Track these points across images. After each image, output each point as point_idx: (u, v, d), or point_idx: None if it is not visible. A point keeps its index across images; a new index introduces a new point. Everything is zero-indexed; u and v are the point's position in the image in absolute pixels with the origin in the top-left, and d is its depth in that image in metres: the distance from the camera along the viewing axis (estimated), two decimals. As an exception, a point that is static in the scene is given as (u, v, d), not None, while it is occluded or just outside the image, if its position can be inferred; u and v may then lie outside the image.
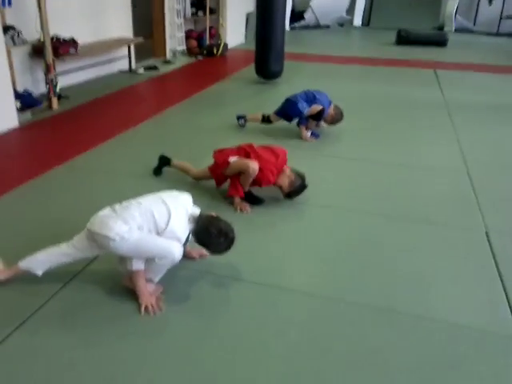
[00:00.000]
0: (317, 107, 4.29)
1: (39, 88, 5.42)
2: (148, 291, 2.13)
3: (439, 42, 10.97)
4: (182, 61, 8.63)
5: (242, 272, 2.41)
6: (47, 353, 1.84)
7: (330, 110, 4.39)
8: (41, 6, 4.66)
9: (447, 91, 6.56)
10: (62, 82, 5.81)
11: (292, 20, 14.68)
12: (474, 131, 4.84)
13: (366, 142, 4.48)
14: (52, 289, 2.21)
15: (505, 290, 2.32)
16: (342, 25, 15.33)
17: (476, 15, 14.40)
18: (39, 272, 2.21)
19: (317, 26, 14.79)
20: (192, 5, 9.56)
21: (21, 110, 4.68)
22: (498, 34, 13.67)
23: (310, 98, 4.32)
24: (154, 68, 7.69)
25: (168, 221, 2.10)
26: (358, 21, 15.46)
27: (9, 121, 4.42)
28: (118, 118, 5.05)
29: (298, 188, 3.09)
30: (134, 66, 7.51)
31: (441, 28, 14.16)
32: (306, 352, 1.90)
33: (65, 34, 5.57)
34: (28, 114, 4.76)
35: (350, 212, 3.10)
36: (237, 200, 3.07)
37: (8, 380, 1.72)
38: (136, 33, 7.59)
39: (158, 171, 3.51)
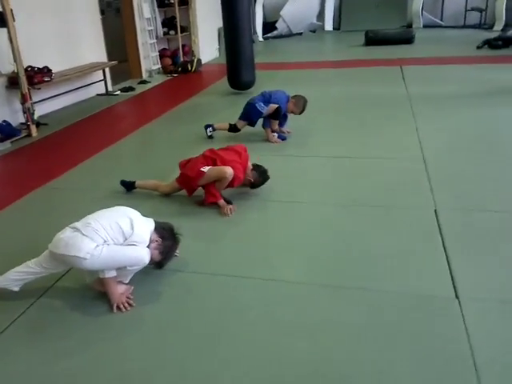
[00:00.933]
0: (273, 106, 4.53)
1: (18, 118, 5.64)
2: (119, 292, 2.33)
3: (406, 39, 11.30)
4: (158, 79, 8.89)
5: (210, 266, 2.63)
6: (24, 364, 1.98)
7: (290, 104, 4.63)
8: (12, 39, 4.91)
9: (411, 86, 6.85)
10: (41, 110, 6.06)
11: (265, 31, 15.06)
12: (433, 120, 5.10)
13: (328, 139, 4.72)
14: (25, 303, 2.37)
15: (447, 260, 2.54)
16: (313, 31, 15.69)
17: (442, 10, 14.81)
18: (15, 288, 2.38)
19: (289, 35, 15.15)
20: (163, 25, 9.85)
21: (0, 140, 4.90)
22: (464, 27, 14.06)
23: (267, 98, 4.57)
24: (131, 89, 7.94)
25: (132, 226, 2.31)
26: (329, 26, 15.81)
27: (-11, 151, 4.64)
28: (96, 139, 5.28)
29: (262, 179, 3.40)
30: (110, 88, 7.76)
31: (409, 26, 14.53)
32: (269, 330, 2.12)
33: (39, 63, 5.80)
34: (8, 144, 4.98)
35: (309, 204, 3.34)
36: (221, 203, 3.27)
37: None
38: (111, 57, 7.85)
39: (129, 190, 3.65)
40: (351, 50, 11.19)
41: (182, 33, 9.79)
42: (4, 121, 5.18)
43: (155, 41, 9.30)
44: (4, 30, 4.96)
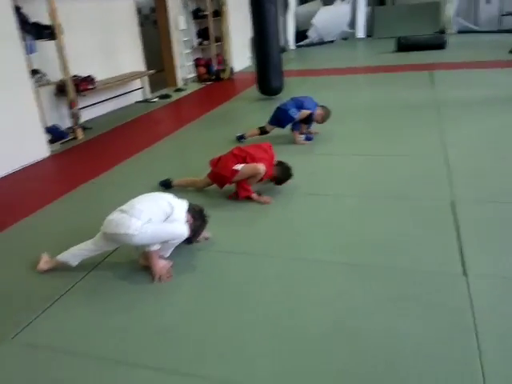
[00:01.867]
0: (305, 112, 4.78)
1: (65, 122, 6.10)
2: (160, 265, 2.64)
3: (437, 44, 11.35)
4: (193, 87, 9.31)
5: (239, 247, 2.90)
6: (83, 319, 2.35)
7: (318, 111, 4.88)
8: (60, 50, 5.36)
9: (439, 90, 6.96)
10: (86, 116, 6.53)
11: (297, 39, 15.38)
12: (459, 123, 5.21)
13: (354, 140, 4.93)
14: (82, 273, 2.74)
15: (460, 243, 2.72)
16: (345, 39, 15.90)
17: (476, 15, 14.74)
18: (74, 263, 2.75)
19: (321, 43, 15.41)
20: (198, 35, 10.30)
21: (51, 142, 5.35)
22: (499, 31, 13.94)
23: (299, 104, 4.82)
24: (167, 96, 8.37)
25: (172, 206, 2.63)
26: (361, 33, 15.96)
27: (41, 152, 5.09)
28: (135, 141, 5.66)
29: (286, 175, 3.62)
30: (149, 95, 8.21)
31: (442, 31, 14.53)
32: (290, 299, 2.36)
33: (84, 73, 6.27)
34: (58, 145, 5.42)
35: (334, 196, 3.57)
36: (255, 197, 3.55)
37: (53, 338, 2.24)
38: (149, 66, 8.31)
39: (167, 188, 3.90)
40: (382, 56, 11.32)
41: (215, 42, 10.20)
42: (54, 125, 5.64)
43: (190, 51, 9.74)
44: (53, 43, 5.42)
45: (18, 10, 5.24)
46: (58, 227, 3.39)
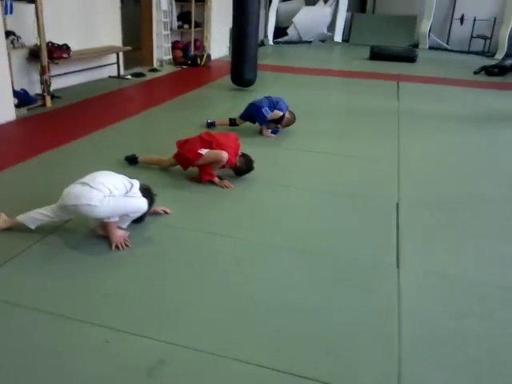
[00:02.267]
0: (278, 113, 5.00)
1: (34, 89, 6.04)
2: (118, 234, 2.76)
3: (408, 57, 11.79)
4: (168, 69, 9.33)
5: (196, 225, 3.07)
6: (32, 284, 2.42)
7: (287, 115, 5.07)
8: (38, 15, 5.34)
9: (403, 101, 7.30)
10: (56, 85, 6.47)
11: (276, 35, 15.54)
12: (416, 134, 5.53)
13: (320, 138, 5.16)
14: (38, 236, 2.81)
15: (397, 240, 2.99)
16: (323, 41, 16.18)
17: (449, 34, 15.34)
18: (32, 226, 2.82)
19: (299, 42, 15.63)
20: (179, 18, 10.30)
21: (17, 106, 5.33)
22: (469, 52, 14.55)
23: (273, 104, 5.00)
24: (141, 75, 8.37)
25: (130, 181, 2.77)
26: (338, 37, 16.29)
27: (7, 115, 5.06)
28: (104, 114, 5.71)
29: (248, 167, 3.79)
30: (122, 72, 8.19)
31: (416, 45, 15.03)
32: (237, 275, 2.55)
33: (60, 41, 6.23)
34: (24, 110, 5.40)
35: (292, 188, 3.78)
36: (217, 181, 3.71)
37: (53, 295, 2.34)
38: (126, 43, 8.28)
39: (132, 164, 4.01)
40: (355, 62, 11.65)
41: (195, 28, 10.25)
42: (22, 89, 5.61)
43: (169, 32, 9.73)
44: (32, 6, 5.38)
45: (-2, -31, 5.19)
46: (17, 191, 3.42)
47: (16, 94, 5.39)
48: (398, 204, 3.53)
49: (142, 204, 2.75)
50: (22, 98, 5.47)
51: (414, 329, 2.19)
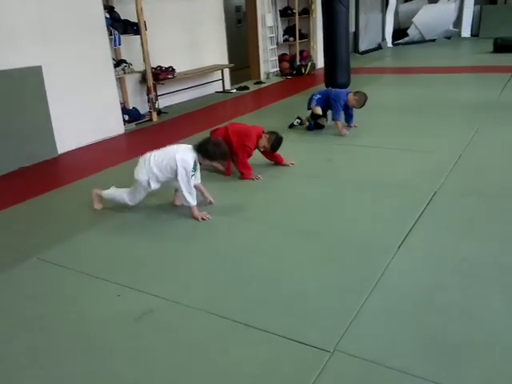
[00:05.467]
0: (316, 109, 5.36)
1: (146, 107, 7.07)
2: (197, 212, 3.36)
3: (538, 46, 10.69)
4: (273, 80, 9.94)
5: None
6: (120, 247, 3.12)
7: (351, 96, 5.24)
8: (143, 44, 6.33)
9: (506, 93, 6.80)
10: (166, 102, 7.49)
11: (397, 37, 15.24)
12: (498, 127, 5.17)
13: (390, 134, 5.20)
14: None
15: (413, 226, 3.03)
16: (449, 38, 15.37)
17: None
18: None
19: (422, 41, 15.10)
20: (285, 32, 10.89)
21: (129, 122, 6.35)
22: None
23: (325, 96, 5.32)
24: (246, 88, 9.10)
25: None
26: (466, 32, 15.34)
27: (117, 130, 6.09)
28: (200, 123, 6.43)
29: (276, 141, 4.14)
30: (228, 87, 9.01)
31: (558, 32, 13.47)
32: (240, 249, 2.91)
33: (168, 64, 7.21)
34: (133, 125, 6.41)
35: (335, 180, 4.00)
36: (254, 176, 4.14)
37: (93, 259, 3.04)
38: (235, 63, 9.13)
39: None
40: (474, 56, 10.97)
41: (301, 39, 10.72)
42: (133, 107, 6.65)
43: (275, 46, 10.36)
44: (138, 37, 6.39)
45: (111, 9, 6.31)
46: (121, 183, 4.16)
47: (128, 111, 6.44)
48: (435, 193, 3.51)
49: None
50: (133, 115, 6.50)
51: (378, 302, 2.30)
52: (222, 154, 3.39)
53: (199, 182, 3.51)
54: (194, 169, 3.26)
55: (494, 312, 2.17)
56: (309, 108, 5.52)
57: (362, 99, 5.26)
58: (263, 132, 4.22)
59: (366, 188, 3.75)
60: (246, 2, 9.99)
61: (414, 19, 14.85)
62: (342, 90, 5.38)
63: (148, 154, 3.38)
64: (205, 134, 5.44)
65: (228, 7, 11.12)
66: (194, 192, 3.32)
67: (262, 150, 4.28)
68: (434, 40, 15.14)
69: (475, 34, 15.34)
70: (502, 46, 11.07)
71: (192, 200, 3.29)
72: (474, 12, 15.18)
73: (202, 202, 3.56)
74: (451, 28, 15.40)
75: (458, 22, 15.34)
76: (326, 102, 5.35)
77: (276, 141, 4.18)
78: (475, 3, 14.91)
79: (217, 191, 3.75)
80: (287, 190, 3.87)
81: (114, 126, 6.05)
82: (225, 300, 2.41)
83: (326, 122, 5.54)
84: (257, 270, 2.67)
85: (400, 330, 2.09)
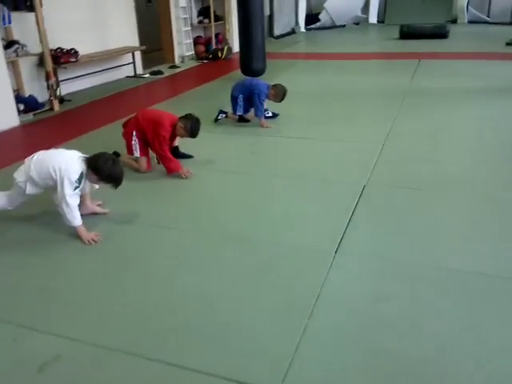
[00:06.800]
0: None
1: (46, 94, 6.30)
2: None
3: (440, 34, 11.23)
4: (188, 65, 9.46)
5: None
6: None
7: (271, 90, 4.93)
8: (39, 23, 5.60)
9: (417, 79, 7.00)
10: (69, 88, 6.78)
11: (310, 22, 15.31)
12: (417, 112, 5.29)
13: (311, 123, 5.07)
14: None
15: (347, 224, 2.88)
16: (357, 23, 15.73)
17: (489, 6, 14.40)
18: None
19: (332, 27, 15.30)
20: (200, 13, 10.41)
21: (24, 112, 5.62)
22: (510, 24, 13.62)
23: (247, 90, 4.98)
24: (159, 72, 8.55)
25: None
26: (373, 19, 15.79)
27: (10, 121, 5.33)
28: (107, 114, 5.89)
29: (193, 126, 3.77)
30: (141, 71, 8.41)
31: (454, 21, 14.31)
32: (179, 266, 2.58)
33: (70, 46, 6.49)
34: (30, 116, 5.69)
35: (257, 175, 3.76)
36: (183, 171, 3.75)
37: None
38: (148, 44, 8.50)
39: None
40: (382, 43, 11.29)
41: (216, 22, 10.31)
42: (30, 95, 5.91)
43: (189, 28, 9.86)
44: (33, 15, 5.64)
45: (-1, -18, 5.49)
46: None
47: (24, 100, 5.70)
48: (364, 186, 3.41)
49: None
50: (30, 104, 5.77)
51: (322, 321, 2.10)
52: (114, 178, 2.83)
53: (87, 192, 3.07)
54: (79, 182, 2.77)
55: (443, 322, 2.06)
56: (234, 112, 5.13)
57: (280, 93, 4.98)
58: (178, 120, 3.81)
59: (294, 184, 3.56)
60: (155, -20, 9.37)
61: (325, 4, 14.98)
62: (261, 82, 5.09)
63: (35, 154, 2.91)
64: (115, 126, 5.02)
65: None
66: (76, 209, 2.79)
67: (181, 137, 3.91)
68: (343, 26, 15.41)
69: (381, 20, 15.86)
70: (407, 33, 11.49)
71: (72, 218, 2.76)
72: (379, -1, 15.66)
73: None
74: (360, 14, 15.78)
75: (365, 9, 15.75)
76: (249, 98, 5.04)
77: (194, 126, 3.77)
78: (382, -10, 15.38)
79: (127, 194, 3.35)
80: (210, 190, 3.57)
81: (6, 117, 5.29)
82: (149, 336, 2.05)
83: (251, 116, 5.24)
84: (183, 291, 2.34)
85: (350, 352, 1.90)
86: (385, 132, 4.61)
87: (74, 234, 2.85)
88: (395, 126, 4.81)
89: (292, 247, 2.68)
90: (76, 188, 2.74)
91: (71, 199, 2.73)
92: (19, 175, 2.87)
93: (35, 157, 2.88)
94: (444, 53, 9.26)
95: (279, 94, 4.97)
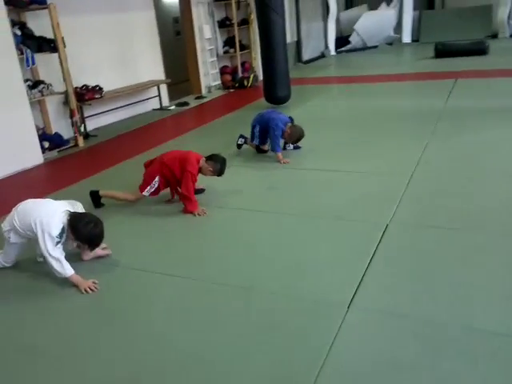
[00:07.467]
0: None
1: (71, 131, 6.34)
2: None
3: (478, 50, 10.73)
4: (215, 94, 9.44)
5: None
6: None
7: (287, 129, 4.67)
8: (62, 63, 5.67)
9: (453, 100, 6.61)
10: (95, 124, 6.85)
11: (339, 45, 15.14)
12: (451, 137, 4.93)
13: (332, 153, 4.82)
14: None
15: (364, 272, 2.59)
16: (390, 43, 15.43)
17: (531, 18, 13.80)
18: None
19: (364, 48, 15.06)
20: (226, 43, 10.43)
21: (49, 149, 5.66)
22: (555, 35, 12.97)
23: (263, 124, 4.81)
24: (185, 104, 8.55)
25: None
26: (407, 38, 15.44)
27: (34, 159, 5.38)
28: (135, 145, 5.87)
29: (220, 165, 3.67)
30: (167, 103, 8.44)
31: (495, 36, 13.77)
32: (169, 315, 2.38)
33: (97, 82, 6.56)
34: (54, 153, 5.72)
35: (270, 213, 3.52)
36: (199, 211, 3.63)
37: None
38: (174, 77, 8.54)
39: (98, 205, 3.88)
40: (416, 63, 10.91)
41: (242, 51, 10.29)
42: (56, 132, 5.96)
43: (215, 59, 9.89)
44: (57, 55, 5.72)
45: (23, 25, 5.62)
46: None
47: (48, 137, 5.74)
48: (387, 226, 3.10)
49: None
50: (54, 141, 5.81)
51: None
52: (90, 240, 2.70)
53: None
54: (60, 237, 2.63)
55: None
56: (252, 141, 4.99)
57: (296, 135, 4.70)
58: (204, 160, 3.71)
59: (310, 223, 3.30)
60: (181, 14, 9.46)
61: (356, 26, 14.79)
62: (281, 116, 4.85)
63: (21, 203, 2.82)
64: (137, 160, 4.96)
65: (165, 18, 10.58)
66: (63, 260, 2.64)
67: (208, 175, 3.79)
68: (376, 46, 15.14)
69: (416, 39, 15.48)
70: (443, 51, 11.07)
71: (62, 270, 2.62)
72: (413, 17, 15.32)
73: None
74: (392, 34, 15.47)
75: (398, 28, 15.43)
76: (265, 130, 4.82)
77: (222, 167, 3.71)
78: (414, 8, 15.05)
79: (136, 232, 3.20)
80: (219, 230, 3.37)
81: (30, 155, 5.33)
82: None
83: (269, 148, 5.03)
84: (175, 352, 2.13)
85: None
86: (414, 161, 4.29)
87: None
88: (426, 153, 4.48)
89: (300, 300, 2.42)
90: (58, 243, 2.61)
91: (54, 252, 2.60)
92: (5, 224, 2.80)
93: (20, 206, 2.80)
94: (483, 70, 8.80)
95: (294, 135, 4.72)
